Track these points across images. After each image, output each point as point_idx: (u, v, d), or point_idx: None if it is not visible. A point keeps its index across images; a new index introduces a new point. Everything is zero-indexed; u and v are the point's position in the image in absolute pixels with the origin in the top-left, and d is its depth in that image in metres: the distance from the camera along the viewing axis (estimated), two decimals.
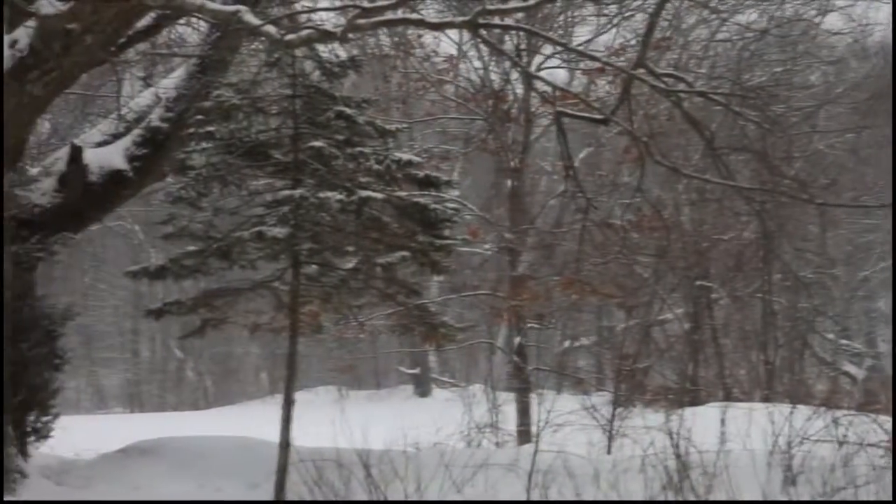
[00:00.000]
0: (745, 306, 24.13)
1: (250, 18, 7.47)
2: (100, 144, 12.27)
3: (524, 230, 20.41)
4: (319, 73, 9.92)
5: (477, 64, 21.38)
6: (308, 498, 8.91)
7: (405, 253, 9.86)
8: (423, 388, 36.68)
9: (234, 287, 10.26)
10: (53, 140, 18.06)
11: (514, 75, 20.09)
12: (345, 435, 9.64)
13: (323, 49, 10.00)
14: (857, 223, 28.88)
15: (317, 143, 9.56)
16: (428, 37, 20.17)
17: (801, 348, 25.29)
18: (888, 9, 16.06)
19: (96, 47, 8.42)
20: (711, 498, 8.49)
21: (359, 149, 9.74)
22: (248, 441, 11.78)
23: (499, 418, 18.41)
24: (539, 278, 19.70)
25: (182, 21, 12.84)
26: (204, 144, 9.82)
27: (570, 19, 20.45)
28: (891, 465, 8.79)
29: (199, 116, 9.88)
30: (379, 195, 9.60)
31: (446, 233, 10.03)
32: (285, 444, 9.53)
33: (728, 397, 20.47)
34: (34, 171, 11.67)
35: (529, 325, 20.87)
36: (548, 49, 19.73)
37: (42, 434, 11.03)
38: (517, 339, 20.62)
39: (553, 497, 8.78)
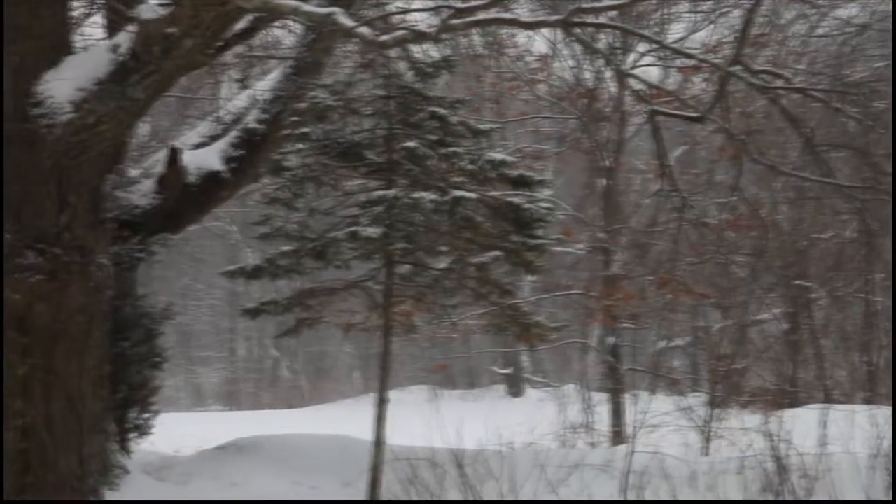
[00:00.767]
0: (845, 306, 23.62)
1: (345, 20, 7.51)
2: (197, 146, 12.47)
3: (618, 229, 20.26)
4: (413, 73, 9.95)
5: (570, 62, 21.29)
6: (402, 496, 8.95)
7: (498, 253, 9.84)
8: (515, 387, 36.61)
9: (329, 287, 10.34)
10: (153, 142, 18.44)
11: (608, 74, 19.95)
12: (438, 434, 9.67)
13: (416, 49, 10.04)
14: None
15: (410, 144, 9.59)
16: (521, 36, 20.14)
17: None
18: None
19: (195, 51, 8.53)
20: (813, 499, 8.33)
21: (452, 149, 9.75)
22: (343, 439, 11.87)
23: (592, 419, 18.33)
24: (633, 278, 19.53)
25: (277, 24, 12.98)
26: (299, 145, 9.93)
27: (664, 16, 20.23)
28: None
29: (295, 118, 9.99)
30: (472, 195, 9.60)
31: (539, 232, 9.98)
32: (379, 443, 9.58)
33: (828, 399, 20.05)
34: (134, 172, 11.91)
35: (623, 325, 20.71)
36: (642, 47, 19.57)
37: (143, 431, 11.24)
38: (611, 340, 20.49)
39: (648, 498, 8.70)
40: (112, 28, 10.46)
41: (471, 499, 8.77)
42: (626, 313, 19.94)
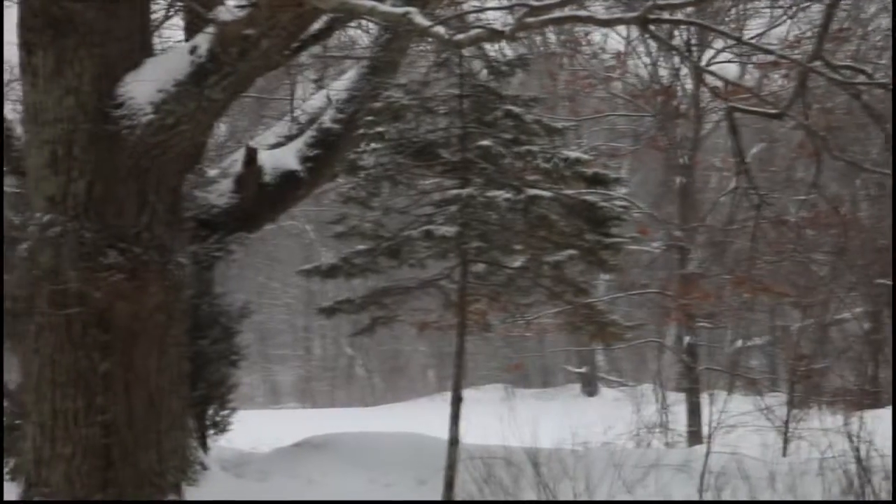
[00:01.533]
0: None
1: (420, 20, 7.53)
2: (274, 146, 12.59)
3: (694, 228, 20.07)
4: (487, 72, 9.94)
5: (646, 60, 21.14)
6: (477, 495, 8.94)
7: (573, 251, 9.78)
8: (590, 387, 36.43)
9: (403, 285, 10.36)
10: (230, 142, 18.67)
11: (684, 70, 19.78)
12: (513, 433, 9.65)
13: (491, 48, 10.02)
14: None
15: (485, 142, 9.57)
16: (596, 33, 20.03)
17: None
18: None
19: (272, 51, 8.63)
20: None
21: (526, 147, 9.71)
22: (418, 437, 11.89)
23: (669, 418, 18.18)
24: (710, 277, 19.33)
25: (353, 24, 13.06)
26: (374, 145, 9.95)
27: (742, 12, 19.98)
28: None
29: (370, 117, 10.02)
30: (547, 193, 9.56)
31: (615, 231, 9.91)
32: (454, 441, 9.57)
33: None
34: (212, 172, 12.06)
35: (700, 324, 20.51)
36: (719, 43, 19.35)
37: (221, 427, 11.36)
38: (687, 339, 20.29)
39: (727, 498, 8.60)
40: (191, 30, 10.59)
41: (546, 498, 8.73)
42: (702, 312, 19.75)
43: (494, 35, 7.86)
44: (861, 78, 9.50)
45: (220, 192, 11.74)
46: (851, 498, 8.33)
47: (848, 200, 21.07)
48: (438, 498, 9.53)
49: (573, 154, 9.92)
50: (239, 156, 12.12)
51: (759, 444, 11.46)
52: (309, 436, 12.11)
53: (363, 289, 11.64)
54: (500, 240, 9.88)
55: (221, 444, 11.69)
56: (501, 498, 8.80)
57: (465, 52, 9.33)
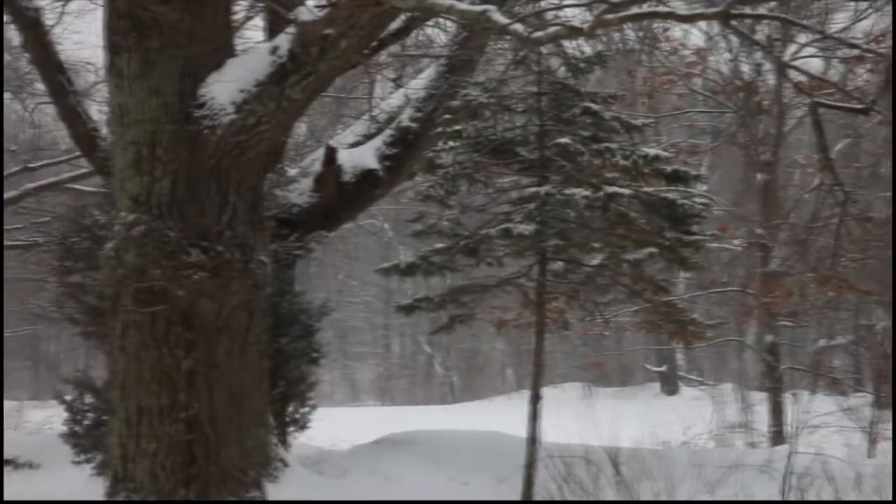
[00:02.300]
0: None
1: (498, 17, 7.52)
2: (353, 145, 12.68)
3: (776, 225, 19.77)
4: (565, 69, 9.90)
5: (727, 55, 20.88)
6: (557, 494, 8.92)
7: (653, 249, 9.70)
8: (670, 386, 36.11)
9: (481, 283, 10.35)
10: (310, 142, 18.83)
11: (767, 66, 19.48)
12: (592, 432, 9.60)
13: (569, 45, 9.97)
14: None
15: (563, 140, 9.53)
16: (676, 29, 19.83)
17: None
18: None
19: (351, 51, 8.67)
20: None
21: (605, 144, 9.65)
22: (496, 436, 11.88)
23: (750, 418, 17.95)
24: (792, 275, 19.02)
25: (431, 23, 13.09)
26: (452, 143, 9.97)
27: (826, 5, 19.61)
28: None
29: (448, 115, 10.04)
30: (626, 191, 9.50)
31: (695, 228, 9.81)
32: (533, 440, 9.55)
33: None
34: (292, 171, 12.18)
35: (782, 322, 20.20)
36: (803, 37, 19.02)
37: (301, 425, 11.46)
38: (769, 338, 20.01)
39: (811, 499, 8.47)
40: (272, 30, 10.71)
41: (626, 498, 8.68)
42: (785, 311, 19.43)
43: (573, 32, 7.83)
44: None
45: (300, 191, 11.86)
46: None
47: None
48: (518, 497, 9.51)
49: (652, 151, 9.84)
50: (318, 155, 12.23)
51: (843, 446, 11.28)
52: (388, 433, 12.17)
53: (441, 287, 11.67)
54: (578, 237, 9.84)
55: (302, 441, 11.79)
56: (581, 497, 8.76)
57: (544, 49, 9.30)
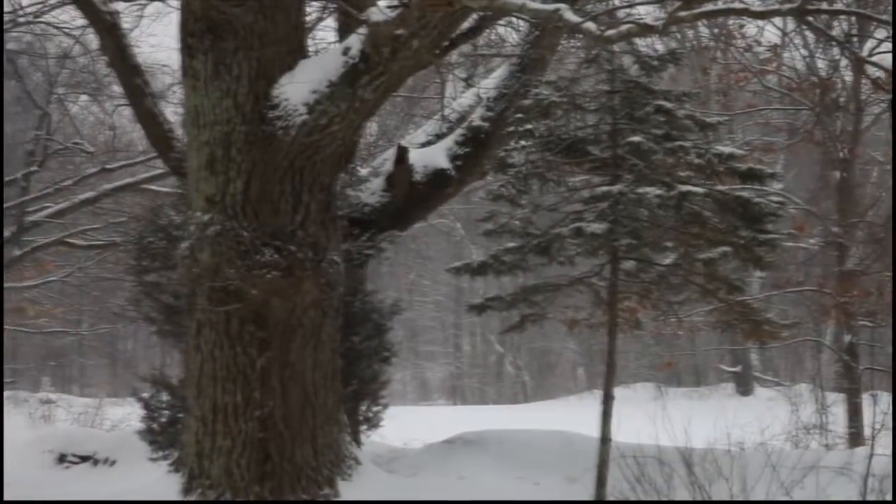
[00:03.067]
0: None
1: (570, 16, 7.48)
2: (424, 145, 12.71)
3: (854, 223, 19.44)
4: (638, 67, 9.83)
5: (802, 51, 20.57)
6: (629, 495, 8.85)
7: (727, 248, 9.59)
8: (744, 386, 35.70)
9: (553, 283, 10.32)
10: (381, 141, 18.92)
11: (844, 62, 19.16)
12: (665, 432, 9.51)
13: (641, 43, 9.91)
14: None
15: (635, 139, 9.46)
16: (750, 26, 19.58)
17: None
18: None
19: (422, 51, 8.69)
20: None
21: (678, 143, 9.56)
22: (568, 435, 11.84)
23: (827, 419, 17.66)
24: (870, 274, 18.68)
25: (502, 22, 13.08)
26: (523, 142, 9.94)
27: None
28: None
29: (519, 115, 10.01)
30: (699, 189, 9.40)
31: (770, 227, 9.68)
32: (605, 440, 9.50)
33: None
34: (364, 171, 12.24)
35: (860, 322, 19.85)
36: (881, 32, 18.67)
37: (373, 423, 11.53)
38: (847, 338, 19.68)
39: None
40: (344, 31, 10.78)
41: (700, 499, 8.59)
42: (862, 310, 19.09)
43: (646, 30, 7.77)
44: None
45: (371, 190, 11.92)
46: None
47: None
48: (589, 497, 9.47)
49: (726, 149, 9.74)
50: (390, 155, 12.28)
51: None
52: (459, 433, 12.18)
53: (513, 286, 11.64)
54: (651, 237, 9.76)
55: (374, 439, 11.85)
56: (654, 497, 8.69)
57: (616, 47, 9.24)
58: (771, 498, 8.61)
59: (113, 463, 13.36)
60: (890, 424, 9.61)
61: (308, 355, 9.10)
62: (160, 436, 11.08)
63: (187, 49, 9.19)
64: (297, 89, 8.88)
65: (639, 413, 10.98)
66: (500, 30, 14.42)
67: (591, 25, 7.62)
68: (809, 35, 19.37)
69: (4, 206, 17.05)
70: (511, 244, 10.06)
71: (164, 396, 11.27)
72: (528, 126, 9.82)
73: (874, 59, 16.14)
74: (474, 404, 43.76)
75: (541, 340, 44.04)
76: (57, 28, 16.77)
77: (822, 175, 21.76)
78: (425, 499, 9.26)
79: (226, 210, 8.93)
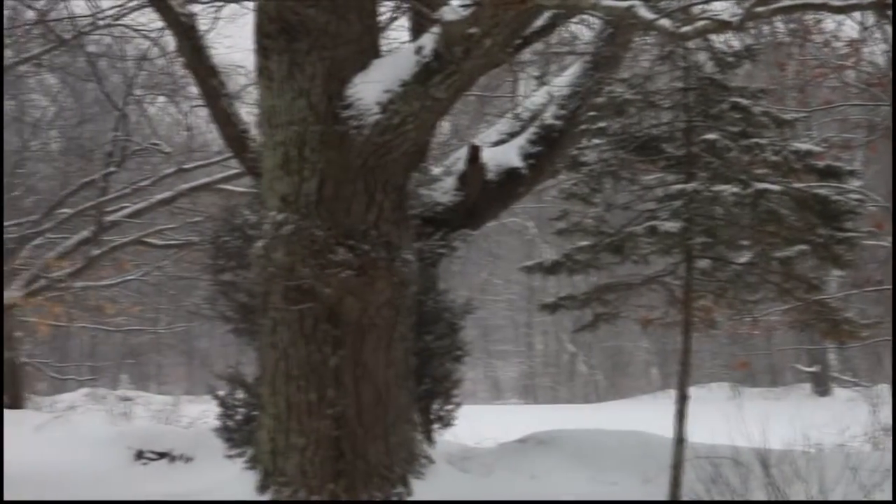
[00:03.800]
0: None
1: (644, 13, 7.43)
2: (496, 143, 12.69)
3: None
4: (713, 64, 9.73)
5: (882, 46, 20.20)
6: (704, 496, 8.77)
7: (804, 247, 9.46)
8: (822, 386, 35.17)
9: (626, 282, 10.25)
10: (453, 140, 18.93)
11: None
12: (741, 433, 9.41)
13: (717, 39, 9.80)
14: None
15: (710, 136, 9.37)
16: (828, 20, 19.26)
17: None
18: None
19: (495, 49, 8.68)
20: None
21: (754, 140, 9.45)
22: (642, 436, 11.75)
23: None
24: None
25: (575, 19, 13.02)
26: (596, 140, 9.90)
27: None
28: None
29: (592, 113, 9.97)
30: (776, 187, 9.28)
31: (849, 225, 9.52)
32: (680, 440, 9.42)
33: None
34: (436, 170, 12.26)
35: None
36: None
37: (446, 422, 11.53)
38: None
39: None
40: (416, 30, 10.80)
41: (776, 499, 8.48)
42: None
43: (722, 26, 7.67)
44: None
45: (444, 189, 11.93)
46: None
47: None
48: (664, 497, 9.39)
49: (804, 146, 9.61)
50: (462, 154, 12.28)
51: None
52: (532, 432, 12.15)
53: (585, 285, 11.58)
54: (726, 235, 9.66)
55: (446, 438, 11.86)
56: (729, 498, 8.60)
57: (690, 44, 9.15)
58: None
59: (189, 460, 13.54)
60: None
61: (381, 354, 9.14)
62: (236, 433, 11.18)
63: (262, 50, 9.28)
64: (370, 89, 8.93)
65: (714, 413, 10.89)
66: (573, 27, 14.36)
67: (665, 22, 7.56)
68: (890, 29, 19.01)
69: (85, 206, 17.36)
70: (584, 243, 10.01)
71: (240, 394, 11.37)
72: (602, 124, 9.77)
73: None
74: (546, 403, 43.64)
75: (613, 339, 43.79)
76: (135, 31, 17.03)
77: None
78: (500, 499, 9.26)
79: (300, 209, 9.00)
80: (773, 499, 8.50)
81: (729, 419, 9.68)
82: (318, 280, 8.88)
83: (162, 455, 13.97)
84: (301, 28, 9.00)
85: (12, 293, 16.58)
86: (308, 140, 9.03)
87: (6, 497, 9.96)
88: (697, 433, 9.85)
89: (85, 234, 17.53)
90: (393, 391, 9.20)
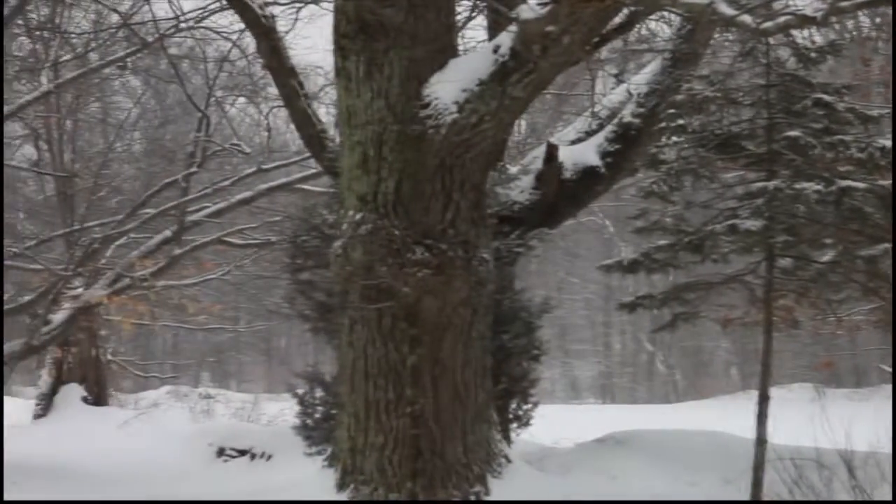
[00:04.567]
0: None
1: (725, 9, 7.34)
2: (574, 142, 12.64)
3: None
4: (795, 60, 9.60)
5: None
6: (786, 497, 8.65)
7: (889, 245, 9.29)
8: None
9: (706, 281, 10.15)
10: (530, 139, 18.90)
11: None
12: (824, 434, 9.27)
13: (799, 35, 9.66)
14: None
15: (793, 133, 9.24)
16: None
17: None
18: None
19: (573, 47, 8.63)
20: None
21: (838, 137, 9.30)
22: (722, 436, 11.64)
23: None
24: None
25: (654, 16, 12.91)
26: (675, 138, 9.82)
27: None
28: None
29: (671, 110, 9.89)
30: (861, 184, 9.12)
31: None
32: (762, 441, 9.30)
33: None
34: (514, 169, 12.24)
35: None
36: None
37: (523, 421, 11.50)
38: None
39: None
40: (494, 29, 10.79)
41: (860, 499, 8.33)
42: None
43: (805, 21, 7.55)
44: None
45: (521, 188, 11.91)
46: None
47: None
48: (745, 499, 9.28)
49: (889, 143, 9.42)
50: (539, 152, 12.25)
51: None
52: (610, 432, 12.09)
53: (664, 284, 11.48)
54: (808, 233, 9.52)
55: (524, 437, 11.83)
56: (811, 500, 8.48)
57: (772, 39, 9.03)
58: None
59: (269, 457, 13.71)
60: None
61: (458, 353, 9.15)
62: (315, 431, 11.27)
63: (340, 50, 9.33)
64: (447, 88, 8.93)
65: (796, 414, 10.72)
66: (652, 24, 14.22)
67: (746, 18, 7.46)
68: None
69: (167, 206, 17.63)
70: (663, 241, 9.94)
71: (319, 392, 11.46)
72: (681, 122, 9.69)
73: None
74: (624, 403, 43.37)
75: (692, 339, 43.34)
76: (216, 33, 17.25)
77: None
78: (578, 499, 9.21)
79: (378, 209, 9.04)
80: (858, 499, 8.36)
81: (812, 420, 9.53)
82: (395, 279, 8.91)
83: (242, 452, 14.17)
84: (379, 28, 9.04)
85: (97, 292, 16.89)
86: (386, 140, 9.07)
87: (5, 497, 10.10)
88: (779, 435, 9.72)
89: (167, 233, 17.79)
90: (470, 390, 9.20)
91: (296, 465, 11.28)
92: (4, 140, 22.84)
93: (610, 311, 45.91)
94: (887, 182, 9.31)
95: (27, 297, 16.68)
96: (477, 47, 11.23)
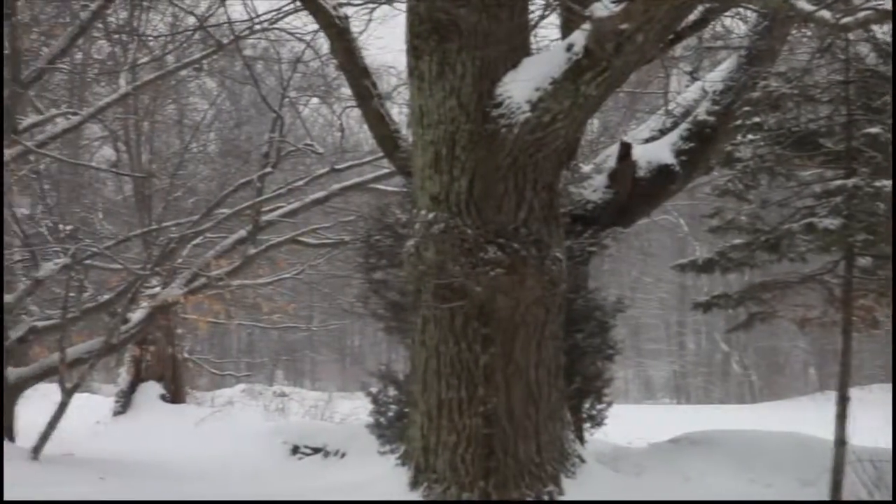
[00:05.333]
0: None
1: (803, 4, 7.24)
2: (647, 140, 12.56)
3: None
4: (875, 55, 9.44)
5: None
6: (866, 499, 8.52)
7: None
8: None
9: (783, 280, 10.04)
10: (603, 138, 18.79)
11: None
12: None
13: (879, 30, 9.50)
14: None
15: (873, 130, 9.10)
16: None
17: None
18: None
19: (647, 45, 8.57)
20: None
21: None
22: (800, 437, 11.49)
23: None
24: None
25: (730, 13, 12.78)
26: (751, 136, 9.72)
27: None
28: None
29: (747, 108, 9.78)
30: None
31: None
32: (841, 442, 9.16)
33: None
34: (587, 168, 12.19)
35: None
36: None
37: (597, 421, 11.46)
38: None
39: None
40: (567, 27, 10.74)
41: None
42: None
43: (885, 16, 7.42)
44: None
45: (594, 187, 11.86)
46: None
47: None
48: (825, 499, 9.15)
49: None
50: (613, 151, 12.19)
51: None
52: (685, 432, 11.99)
53: (739, 283, 11.36)
54: (889, 232, 9.35)
55: (597, 437, 11.78)
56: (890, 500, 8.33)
57: (851, 35, 8.89)
58: None
59: (343, 455, 13.79)
60: None
61: (531, 352, 9.13)
62: (388, 429, 11.33)
63: (413, 50, 9.36)
64: (520, 87, 8.91)
65: (876, 416, 10.55)
66: (727, 21, 14.07)
67: (825, 13, 7.35)
68: None
69: (242, 206, 17.82)
70: (738, 240, 9.85)
71: (392, 391, 11.52)
72: (757, 119, 9.59)
73: None
74: (699, 403, 42.95)
75: (768, 339, 42.82)
76: (290, 34, 17.38)
77: None
78: (653, 499, 9.15)
79: (450, 208, 9.05)
80: None
81: (892, 422, 9.36)
82: (468, 278, 8.91)
83: (316, 450, 14.26)
84: (452, 28, 9.06)
85: (174, 291, 17.12)
86: (458, 139, 9.07)
87: (6, 497, 10.20)
88: (858, 436, 9.57)
89: (242, 233, 17.97)
90: (543, 389, 9.17)
91: (369, 464, 11.33)
92: (84, 142, 23.30)
93: (684, 310, 45.53)
94: None
95: (106, 296, 16.95)
96: (550, 46, 11.18)
